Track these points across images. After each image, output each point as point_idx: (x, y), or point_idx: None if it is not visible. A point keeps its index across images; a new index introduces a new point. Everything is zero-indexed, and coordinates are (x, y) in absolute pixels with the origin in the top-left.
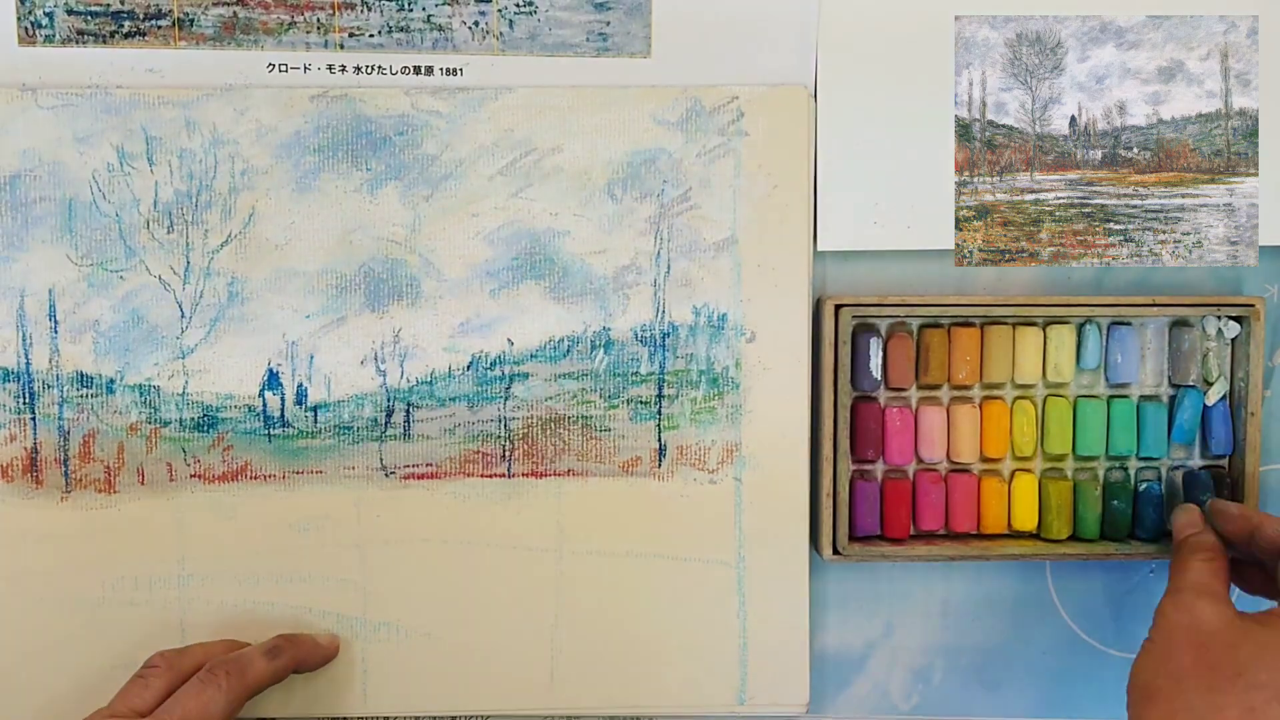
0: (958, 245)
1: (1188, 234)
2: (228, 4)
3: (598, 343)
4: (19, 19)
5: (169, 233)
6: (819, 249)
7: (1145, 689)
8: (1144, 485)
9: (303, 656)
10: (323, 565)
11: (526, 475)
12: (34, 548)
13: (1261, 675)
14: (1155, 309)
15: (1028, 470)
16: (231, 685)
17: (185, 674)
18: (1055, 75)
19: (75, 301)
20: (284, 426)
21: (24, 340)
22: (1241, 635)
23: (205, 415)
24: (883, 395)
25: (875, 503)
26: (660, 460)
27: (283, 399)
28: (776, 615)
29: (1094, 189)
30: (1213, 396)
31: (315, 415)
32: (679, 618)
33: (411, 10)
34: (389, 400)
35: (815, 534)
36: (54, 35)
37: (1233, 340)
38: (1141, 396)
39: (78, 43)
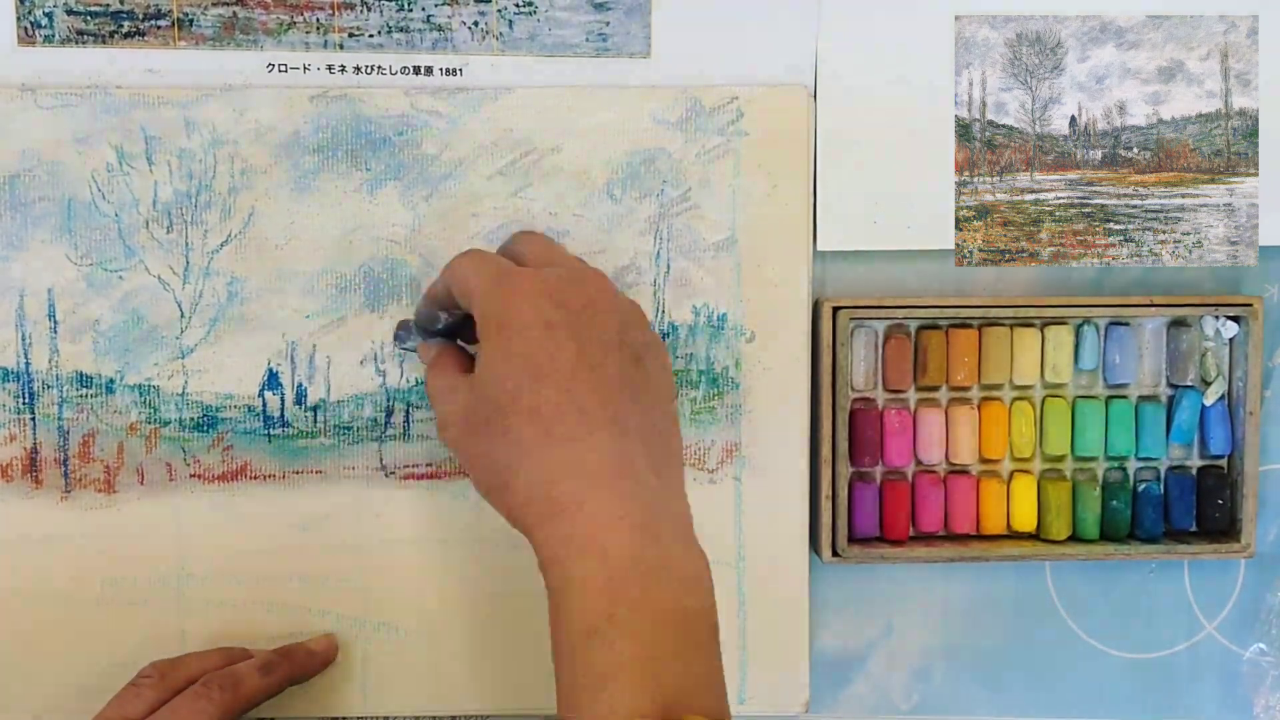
0: (958, 245)
1: (1188, 234)
2: (227, 4)
3: None
4: (18, 19)
5: (168, 233)
6: (819, 249)
7: (490, 497)
8: (1143, 485)
9: (298, 671)
10: (323, 565)
11: None
12: (34, 548)
13: (506, 385)
14: (1153, 309)
15: (1026, 471)
16: (225, 700)
17: (178, 685)
18: (1055, 75)
19: (75, 301)
20: (284, 426)
21: (23, 340)
22: (477, 384)
23: (205, 415)
24: (881, 397)
25: (874, 505)
26: None
27: (282, 399)
28: (776, 615)
29: (1094, 189)
30: (1211, 396)
31: (315, 415)
32: None
33: (411, 10)
34: (389, 400)
35: (814, 536)
36: (53, 35)
37: (1231, 340)
38: (1140, 397)
39: (77, 43)
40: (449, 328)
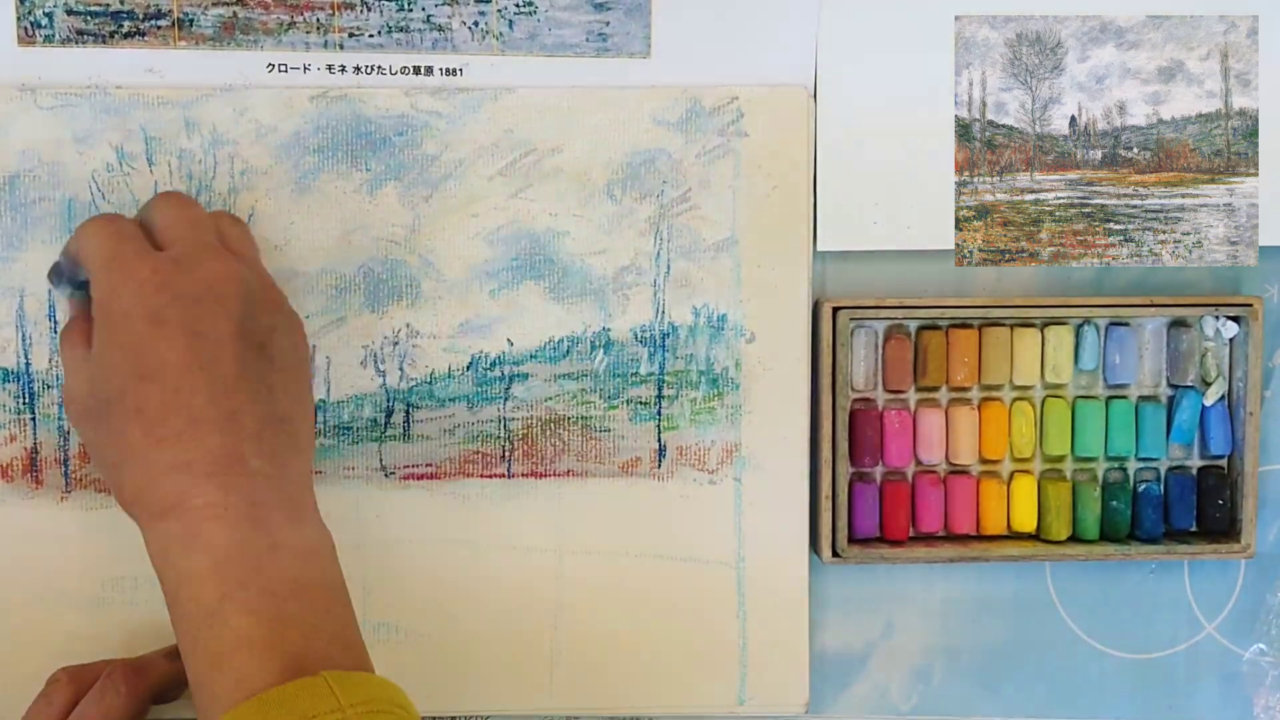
0: (958, 245)
1: (1188, 234)
2: (227, 4)
3: (597, 343)
4: (18, 19)
5: None
6: (819, 249)
7: (103, 477)
8: (1143, 486)
9: None
10: None
11: (526, 476)
12: (34, 548)
13: (115, 381)
14: (1153, 309)
15: (1026, 471)
16: (131, 689)
17: (89, 687)
18: (1055, 75)
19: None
20: None
21: (24, 340)
22: (89, 371)
23: None
24: (881, 397)
25: (874, 505)
26: (660, 461)
27: None
28: (776, 616)
29: (1094, 189)
30: (1211, 397)
31: (315, 415)
32: (679, 618)
33: (411, 10)
34: (389, 401)
35: (814, 537)
36: (53, 35)
37: (1231, 340)
38: (1140, 397)
39: (77, 43)
40: (87, 282)
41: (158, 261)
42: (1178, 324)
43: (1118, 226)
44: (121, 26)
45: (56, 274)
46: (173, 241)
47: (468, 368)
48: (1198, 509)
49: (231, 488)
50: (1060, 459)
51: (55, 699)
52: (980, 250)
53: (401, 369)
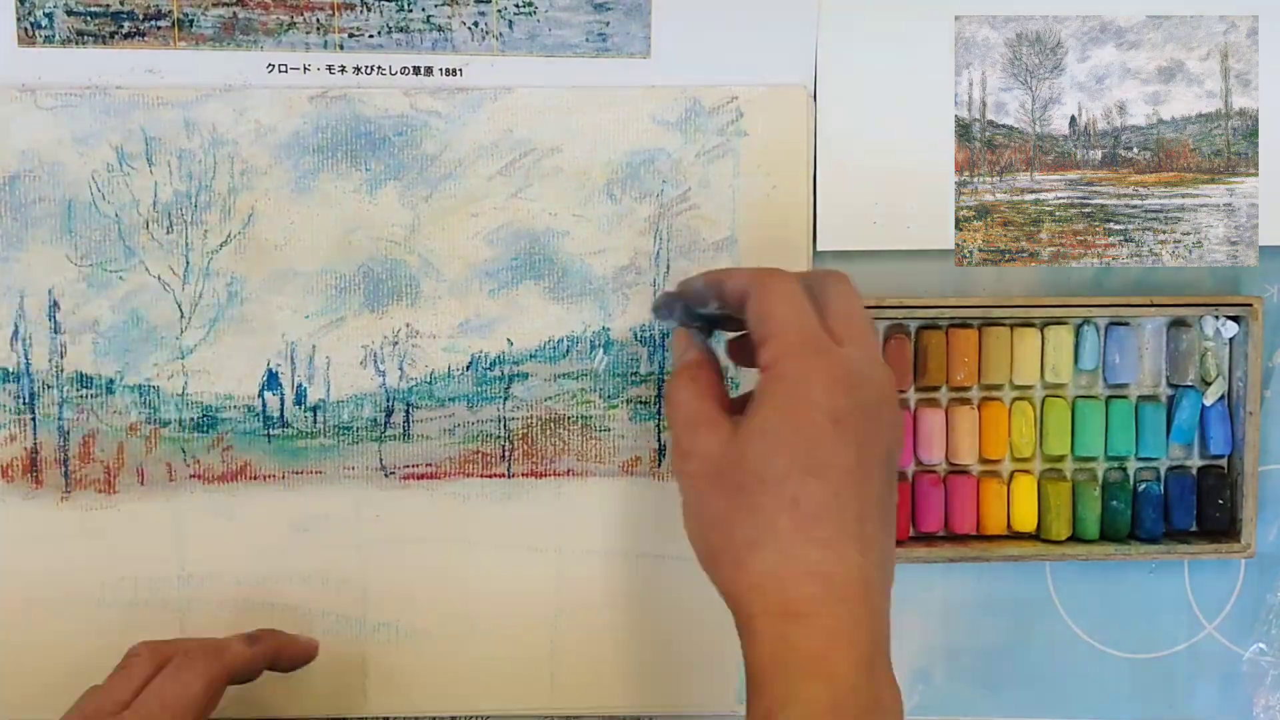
0: (958, 245)
1: (1188, 234)
2: (227, 4)
3: (597, 343)
4: (19, 19)
5: (168, 233)
6: (818, 249)
7: (705, 553)
8: (1143, 485)
9: (281, 647)
10: (323, 565)
11: (526, 475)
12: (34, 548)
13: (779, 464)
14: (1153, 309)
15: (1027, 471)
16: (208, 668)
17: (167, 662)
18: (1055, 75)
19: (75, 302)
20: (283, 427)
21: (24, 341)
22: (742, 442)
23: (205, 415)
24: None
25: None
26: (660, 460)
27: (282, 399)
28: None
29: (1094, 189)
30: (1211, 396)
31: (315, 415)
32: (679, 618)
33: (411, 11)
34: (388, 400)
35: None
36: (54, 36)
37: (1231, 340)
38: (1140, 397)
39: (77, 43)
40: (713, 317)
41: (849, 360)
42: (1178, 324)
43: (1118, 226)
44: (121, 27)
45: (670, 305)
46: (849, 338)
47: (467, 367)
48: (1198, 509)
49: (861, 620)
50: (1060, 459)
51: (134, 672)
52: (980, 250)
53: (401, 369)
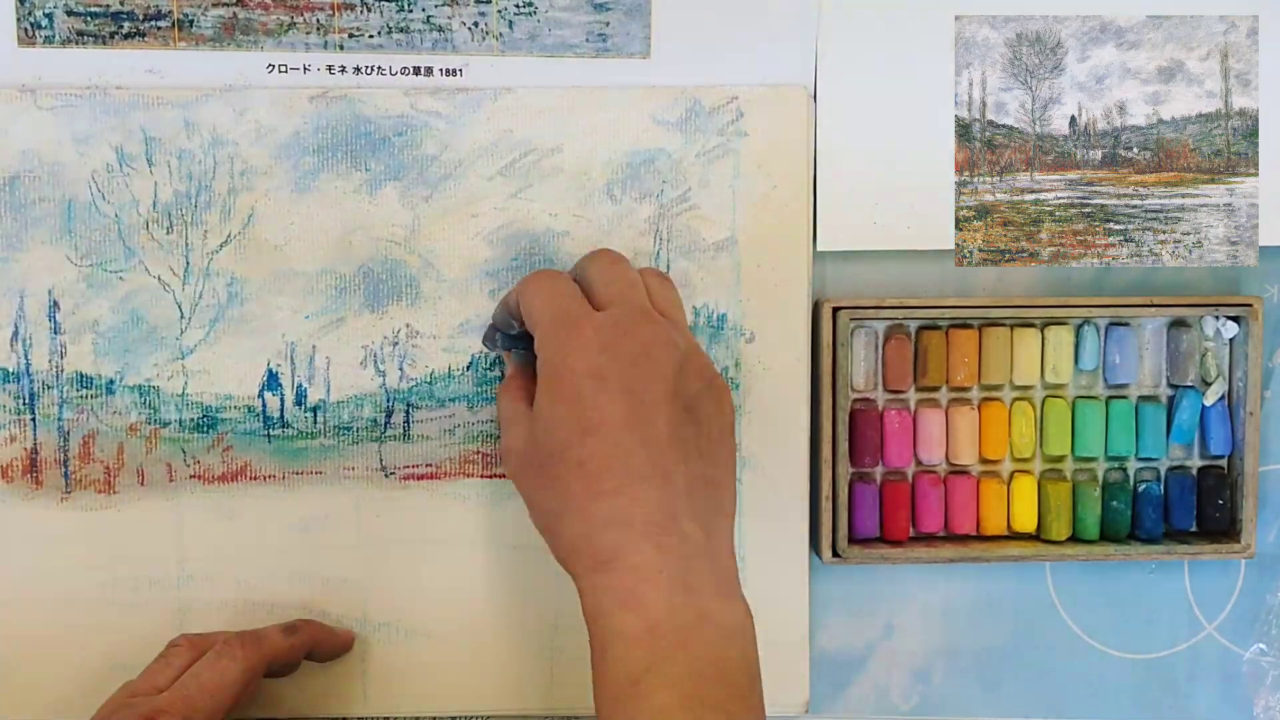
0: (958, 245)
1: (1188, 234)
2: (227, 5)
3: None
4: (19, 20)
5: (168, 233)
6: (818, 249)
7: (541, 534)
8: (1143, 486)
9: (319, 638)
10: (323, 566)
11: None
12: (34, 548)
13: (558, 434)
14: (1153, 309)
15: (1027, 472)
16: (247, 655)
17: (207, 650)
18: (1055, 75)
19: (75, 302)
20: (283, 427)
21: (24, 341)
22: (533, 425)
23: (205, 416)
24: (881, 398)
25: (874, 505)
26: None
27: (282, 399)
28: (776, 616)
29: (1094, 189)
30: (1211, 397)
31: (315, 416)
32: None
33: (411, 11)
34: (389, 401)
35: (814, 536)
36: (54, 36)
37: (1231, 340)
38: (1140, 397)
39: (77, 44)
40: (524, 333)
41: (600, 323)
42: (1178, 324)
43: (1118, 226)
44: (121, 27)
45: (491, 337)
46: (610, 301)
47: (468, 368)
48: (1198, 509)
49: (667, 549)
50: (1060, 459)
51: (174, 661)
52: (980, 250)
53: (401, 369)
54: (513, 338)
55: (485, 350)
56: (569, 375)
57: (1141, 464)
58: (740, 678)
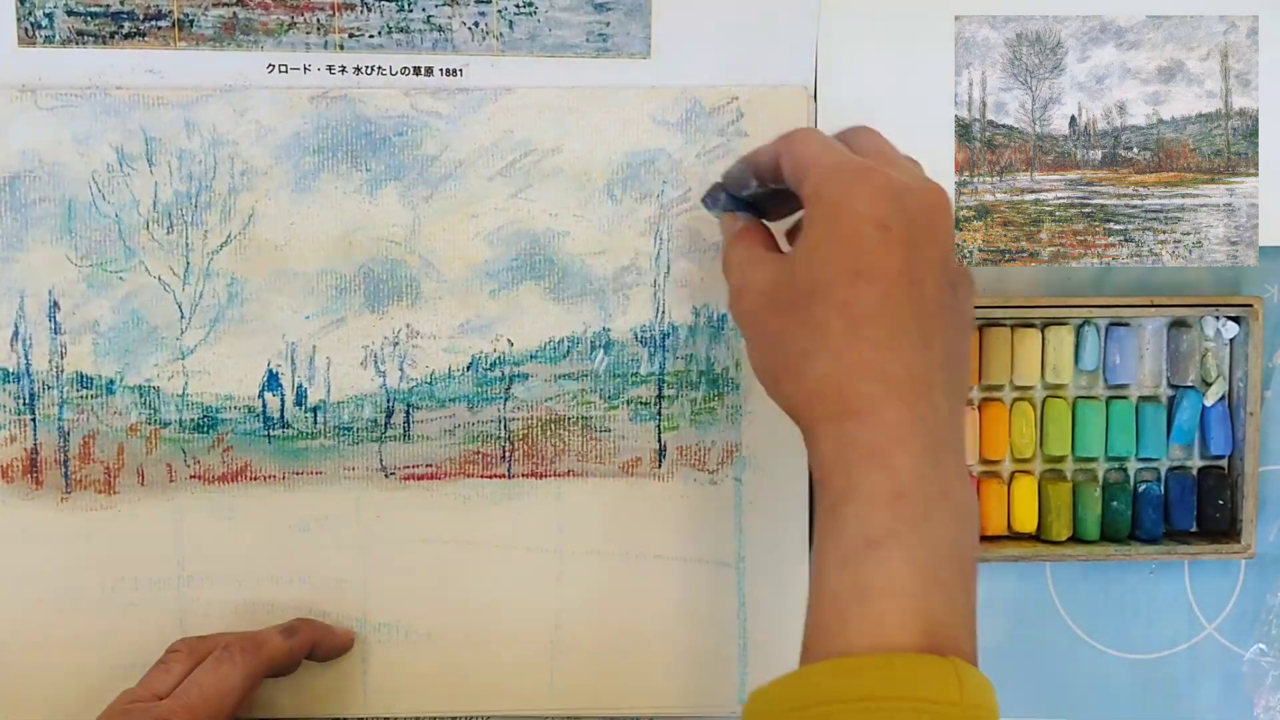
0: (958, 245)
1: (1188, 234)
2: (227, 5)
3: (597, 343)
4: (19, 20)
5: (169, 233)
6: None
7: (771, 380)
8: (1143, 486)
9: (318, 638)
10: (323, 565)
11: (526, 476)
12: (34, 549)
13: (825, 272)
14: (1153, 309)
15: (1027, 472)
16: (247, 661)
17: (205, 657)
18: (1055, 75)
19: (75, 302)
20: (284, 427)
21: (24, 341)
22: (790, 264)
23: (205, 416)
24: None
25: None
26: (660, 461)
27: (282, 400)
28: (776, 615)
29: (1094, 189)
30: (1211, 397)
31: (315, 416)
32: (679, 618)
33: (411, 11)
34: (389, 401)
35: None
36: (54, 36)
37: (1231, 340)
38: (1140, 397)
39: (77, 44)
40: (755, 197)
41: (893, 176)
42: (1178, 324)
43: (1118, 226)
44: (121, 27)
45: (714, 195)
46: (894, 163)
47: (468, 368)
48: (1198, 509)
49: (922, 415)
50: (1060, 459)
51: (173, 667)
52: (980, 250)
53: (401, 369)
54: (738, 200)
55: (706, 209)
56: (851, 216)
57: (1142, 464)
58: (967, 563)
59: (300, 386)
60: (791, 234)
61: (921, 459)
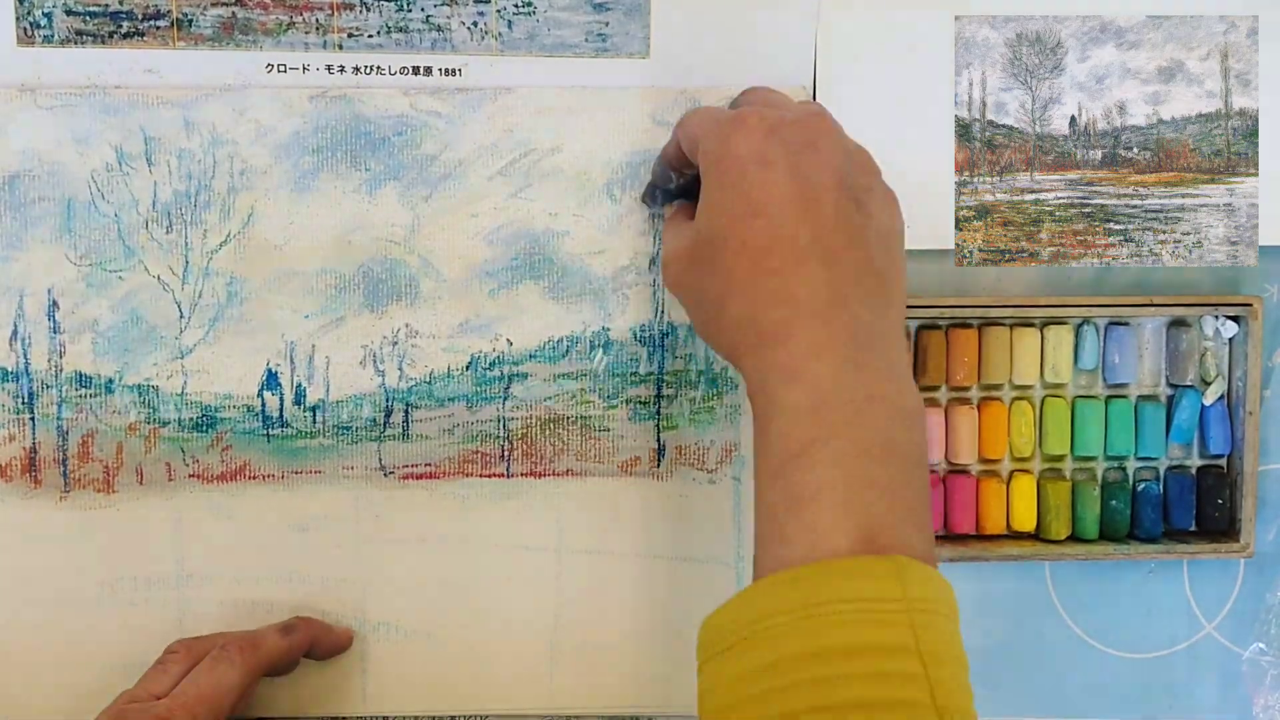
0: (958, 245)
1: (1188, 234)
2: (226, 4)
3: (597, 343)
4: (18, 19)
5: (168, 233)
6: None
7: (702, 332)
8: (1142, 485)
9: (317, 637)
10: (322, 565)
11: (526, 475)
12: (33, 548)
13: (722, 220)
14: (1152, 309)
15: (1026, 471)
16: (245, 660)
17: (203, 657)
18: (1055, 75)
19: (74, 301)
20: (283, 426)
21: (23, 340)
22: (697, 223)
23: (204, 415)
24: None
25: None
26: (659, 460)
27: (281, 399)
28: None
29: (1094, 189)
30: (1210, 396)
31: (314, 415)
32: (679, 618)
33: (410, 11)
34: (388, 400)
35: None
36: (53, 36)
37: (1231, 340)
38: (1139, 397)
39: (76, 43)
40: (681, 188)
41: (766, 114)
42: (1177, 324)
43: (1118, 226)
44: (121, 27)
45: (651, 194)
46: (776, 105)
47: (467, 367)
48: (1197, 509)
49: (836, 326)
50: (1060, 459)
51: (171, 667)
52: (980, 250)
53: (401, 369)
54: (672, 193)
55: (648, 209)
56: (733, 160)
57: (1141, 463)
58: (907, 462)
59: (299, 386)
60: None
61: (841, 369)
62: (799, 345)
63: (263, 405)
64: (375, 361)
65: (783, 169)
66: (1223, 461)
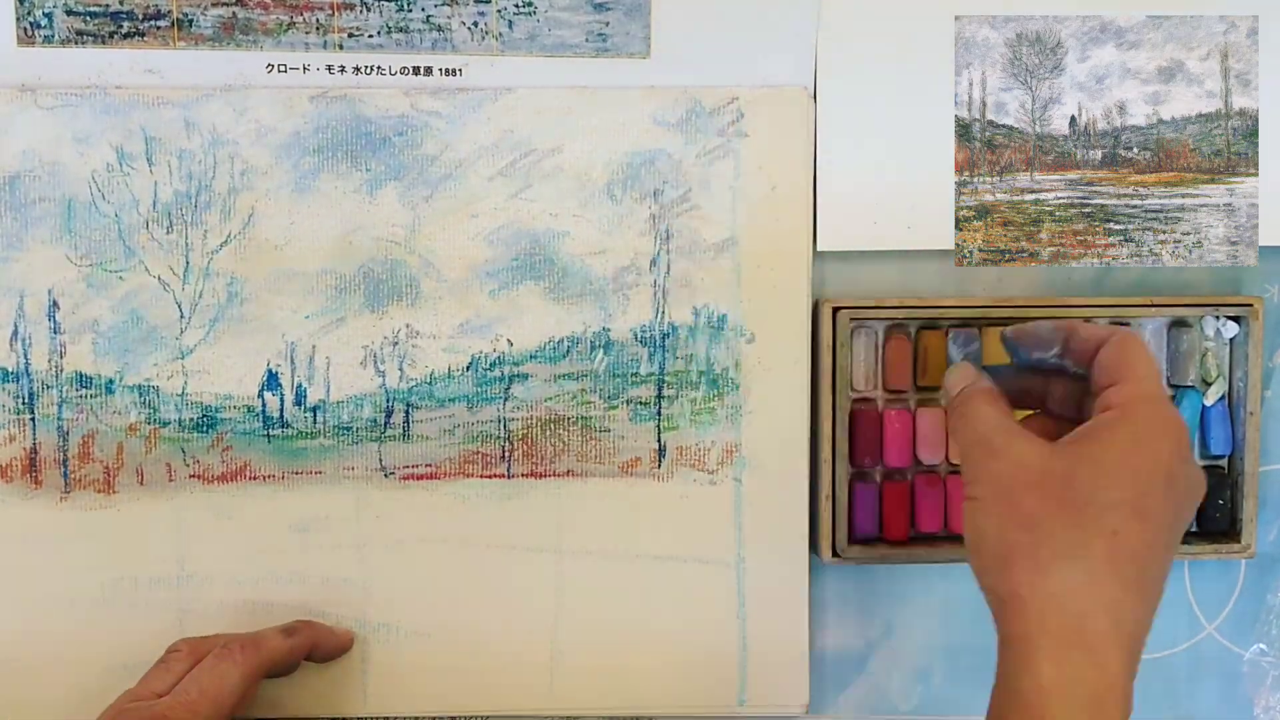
0: (958, 245)
1: (1188, 234)
2: (227, 4)
3: (597, 343)
4: (18, 19)
5: (168, 233)
6: (819, 249)
7: (997, 551)
8: None
9: (318, 639)
10: (322, 565)
11: (526, 476)
12: (33, 548)
13: (1112, 494)
14: (1153, 309)
15: None
16: (247, 659)
17: (205, 657)
18: (1055, 75)
19: (75, 302)
20: (283, 427)
21: (23, 341)
22: (1073, 461)
23: (204, 416)
24: (881, 398)
25: (874, 505)
26: (660, 461)
27: (282, 399)
28: (776, 616)
29: (1094, 189)
30: (1211, 397)
31: (314, 416)
32: (679, 618)
33: (411, 11)
34: (388, 401)
35: (814, 537)
36: (53, 36)
37: (1231, 340)
38: None
39: (77, 43)
40: (1031, 365)
41: (1183, 427)
42: (1178, 324)
43: (1118, 226)
44: (121, 27)
45: (969, 339)
46: (1162, 397)
47: (467, 368)
48: (1198, 509)
49: (1131, 673)
50: None
51: (173, 667)
52: (980, 250)
53: (401, 369)
54: (1024, 363)
55: (1012, 354)
56: (1153, 458)
57: None
58: None
59: (300, 386)
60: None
61: (1125, 710)
62: (1108, 674)
63: (263, 406)
64: (376, 362)
65: (1173, 498)
66: (1224, 462)
